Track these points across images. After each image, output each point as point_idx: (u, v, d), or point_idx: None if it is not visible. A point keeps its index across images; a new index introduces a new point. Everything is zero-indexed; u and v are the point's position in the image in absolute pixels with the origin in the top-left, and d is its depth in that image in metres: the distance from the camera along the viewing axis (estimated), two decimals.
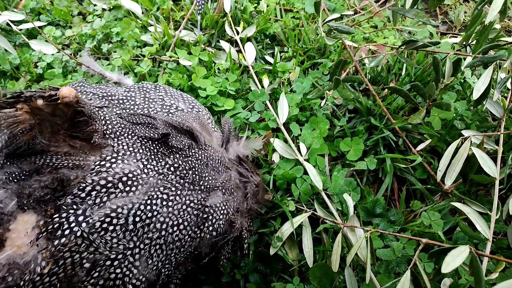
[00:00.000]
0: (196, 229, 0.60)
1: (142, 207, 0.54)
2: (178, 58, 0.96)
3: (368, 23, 1.14)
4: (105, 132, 0.58)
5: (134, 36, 1.01)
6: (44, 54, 0.97)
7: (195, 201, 0.60)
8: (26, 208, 0.51)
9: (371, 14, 1.13)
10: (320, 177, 0.80)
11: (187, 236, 0.59)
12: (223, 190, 0.65)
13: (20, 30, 1.01)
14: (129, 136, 0.60)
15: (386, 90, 0.97)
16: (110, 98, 0.73)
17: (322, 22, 0.86)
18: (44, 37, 1.02)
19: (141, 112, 0.67)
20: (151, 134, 0.61)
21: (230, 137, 0.76)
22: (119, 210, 0.52)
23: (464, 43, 0.94)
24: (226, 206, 0.64)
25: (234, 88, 0.93)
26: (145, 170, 0.57)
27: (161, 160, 0.60)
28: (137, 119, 0.63)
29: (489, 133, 0.81)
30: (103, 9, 1.11)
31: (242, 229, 0.67)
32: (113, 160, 0.56)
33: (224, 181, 0.66)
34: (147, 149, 0.60)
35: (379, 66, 1.03)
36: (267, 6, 1.13)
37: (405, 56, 1.05)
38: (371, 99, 0.95)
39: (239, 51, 1.03)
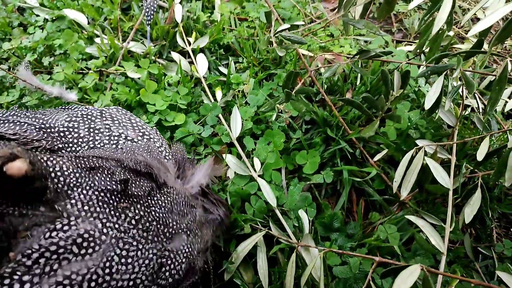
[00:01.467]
0: (154, 276, 0.56)
1: (99, 270, 0.49)
2: (125, 71, 0.91)
3: (324, 32, 1.13)
4: (57, 189, 0.52)
5: (78, 49, 0.95)
6: None
7: (157, 251, 0.56)
8: None
9: (327, 23, 1.12)
10: (275, 193, 0.77)
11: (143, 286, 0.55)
12: (188, 232, 0.61)
13: None
14: (85, 191, 0.53)
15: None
16: (49, 130, 0.66)
17: (274, 33, 0.83)
18: None
19: (93, 152, 0.61)
20: (109, 185, 0.55)
21: (186, 166, 0.72)
22: (73, 276, 0.46)
23: (418, 51, 0.94)
24: (190, 249, 0.60)
25: (185, 102, 0.89)
26: (104, 229, 0.51)
27: (121, 214, 0.54)
28: (92, 163, 0.56)
29: (442, 143, 0.81)
30: (46, 20, 1.04)
31: (205, 267, 0.64)
32: (66, 220, 0.50)
33: (189, 222, 0.62)
34: (106, 203, 0.54)
35: (335, 76, 1.01)
36: (221, 15, 1.10)
37: (360, 65, 1.05)
38: (328, 110, 0.94)
39: (191, 63, 0.99)
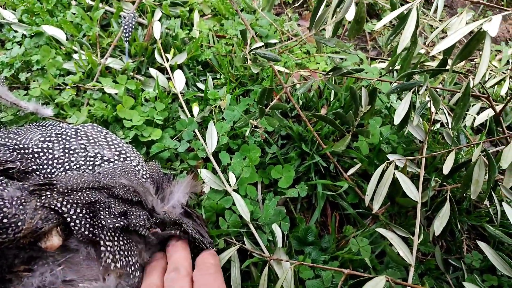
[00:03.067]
0: None
1: None
2: (103, 86, 0.92)
3: (300, 49, 1.16)
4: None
5: (55, 64, 0.95)
6: None
7: None
8: None
9: (303, 40, 1.15)
10: (249, 207, 0.78)
11: None
12: None
13: None
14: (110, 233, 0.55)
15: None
16: (22, 151, 0.65)
17: (249, 50, 0.85)
18: None
19: (79, 180, 0.61)
20: (116, 223, 0.55)
21: (163, 184, 0.72)
22: None
23: (390, 68, 0.97)
24: None
25: (162, 117, 0.90)
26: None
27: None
28: (87, 198, 0.56)
29: (412, 157, 0.84)
30: (24, 36, 1.05)
31: None
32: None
33: None
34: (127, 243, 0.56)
35: (311, 92, 1.04)
36: (200, 32, 1.12)
37: (334, 82, 1.08)
38: (303, 125, 0.96)
39: (169, 79, 1.00)
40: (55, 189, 0.55)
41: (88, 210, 0.54)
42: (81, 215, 0.53)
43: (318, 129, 0.96)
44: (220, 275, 0.56)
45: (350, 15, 0.81)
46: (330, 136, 0.96)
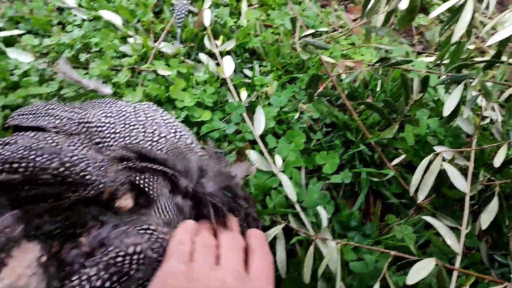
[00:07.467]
0: None
1: None
2: (156, 69, 0.96)
3: (346, 41, 1.17)
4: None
5: (113, 47, 1.00)
6: (21, 62, 0.96)
7: None
8: (32, 237, 0.48)
9: (349, 31, 1.16)
10: (295, 189, 0.80)
11: None
12: None
13: None
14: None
15: (363, 105, 0.98)
16: (87, 125, 0.70)
17: (299, 37, 0.87)
18: (22, 45, 1.01)
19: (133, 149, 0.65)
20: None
21: (216, 161, 0.75)
22: None
23: (438, 62, 0.97)
24: None
25: (211, 100, 0.93)
26: None
27: None
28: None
29: (460, 149, 0.83)
30: (83, 20, 1.11)
31: None
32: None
33: None
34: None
35: (357, 82, 1.04)
36: (247, 21, 1.14)
37: (380, 73, 1.08)
38: (348, 114, 0.96)
39: (218, 64, 1.03)
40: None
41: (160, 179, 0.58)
42: (155, 185, 0.57)
43: (363, 119, 0.96)
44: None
45: (404, 4, 0.81)
46: (375, 126, 0.96)
